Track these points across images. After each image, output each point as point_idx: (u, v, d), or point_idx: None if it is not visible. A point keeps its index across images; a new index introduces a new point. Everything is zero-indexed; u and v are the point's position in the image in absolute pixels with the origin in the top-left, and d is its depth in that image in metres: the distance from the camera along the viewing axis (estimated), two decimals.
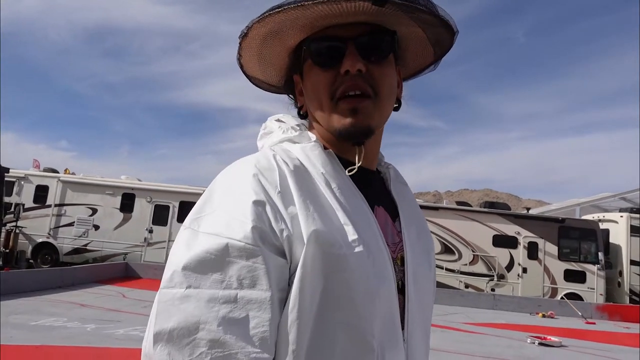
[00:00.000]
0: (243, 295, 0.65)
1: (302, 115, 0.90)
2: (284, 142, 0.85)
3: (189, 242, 0.69)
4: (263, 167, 0.75)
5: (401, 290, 0.81)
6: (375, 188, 0.88)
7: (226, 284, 0.65)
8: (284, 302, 0.68)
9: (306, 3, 0.72)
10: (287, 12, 0.75)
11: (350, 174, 0.80)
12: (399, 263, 0.83)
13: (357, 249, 0.72)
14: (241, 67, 0.90)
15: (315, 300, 0.69)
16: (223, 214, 0.70)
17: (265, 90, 0.97)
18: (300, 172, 0.77)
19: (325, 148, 0.83)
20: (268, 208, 0.70)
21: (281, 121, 0.90)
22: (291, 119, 0.90)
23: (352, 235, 0.72)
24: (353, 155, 0.82)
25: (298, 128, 0.87)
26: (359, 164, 0.80)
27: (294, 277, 0.68)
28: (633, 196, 18.61)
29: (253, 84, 0.96)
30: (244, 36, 0.81)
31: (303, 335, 0.68)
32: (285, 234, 0.69)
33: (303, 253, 0.68)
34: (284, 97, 0.96)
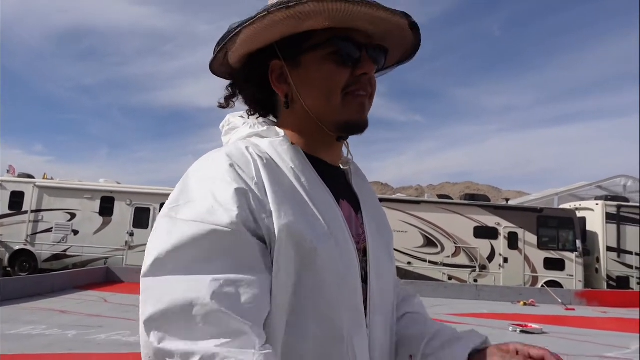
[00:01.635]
0: (229, 277, 0.66)
1: (286, 103, 0.87)
2: (252, 136, 0.86)
3: (170, 229, 0.69)
4: (238, 158, 0.76)
5: (364, 279, 0.84)
6: (339, 183, 0.91)
7: (213, 267, 0.66)
8: (266, 280, 0.69)
9: (371, 1, 0.77)
10: (350, 5, 0.76)
11: (346, 167, 0.90)
12: (362, 254, 0.86)
13: (327, 241, 0.75)
14: (224, 44, 0.84)
15: (289, 291, 0.72)
16: (203, 202, 0.70)
17: (213, 72, 0.92)
18: (272, 167, 0.78)
19: (292, 143, 0.85)
20: (250, 196, 0.71)
21: (243, 117, 0.91)
22: (254, 117, 0.91)
23: (322, 228, 0.76)
24: (322, 153, 0.88)
25: (265, 123, 0.88)
26: (348, 158, 0.89)
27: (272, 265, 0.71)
28: (608, 184, 19.12)
29: (211, 64, 0.90)
30: (268, 13, 0.76)
31: (279, 324, 0.70)
32: (265, 223, 0.71)
33: (276, 246, 0.70)
34: None
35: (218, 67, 0.91)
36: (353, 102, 0.84)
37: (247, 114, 0.93)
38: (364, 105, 0.85)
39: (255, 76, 0.88)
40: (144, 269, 0.68)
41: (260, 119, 0.90)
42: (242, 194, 0.70)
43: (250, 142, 0.83)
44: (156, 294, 0.65)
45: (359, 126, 0.86)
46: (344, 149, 0.97)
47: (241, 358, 0.61)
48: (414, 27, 0.86)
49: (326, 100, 0.83)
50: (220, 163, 0.75)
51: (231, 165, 0.74)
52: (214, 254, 0.67)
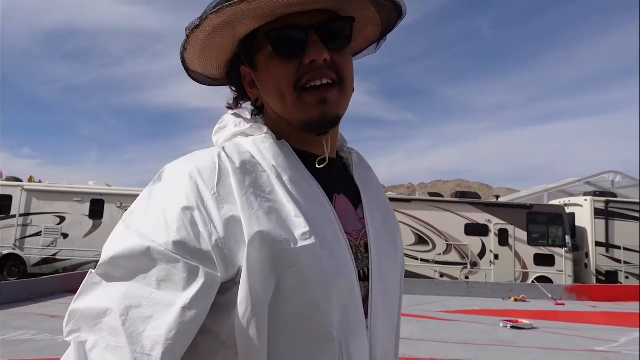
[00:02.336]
0: (155, 296, 0.65)
1: (258, 107, 0.87)
2: (237, 136, 0.84)
3: (121, 236, 0.71)
4: (203, 166, 0.74)
5: (366, 277, 0.80)
6: (336, 176, 0.86)
7: (146, 282, 0.66)
8: (207, 309, 0.67)
9: None
10: (250, 2, 0.71)
11: (322, 165, 0.79)
12: (363, 250, 0.81)
13: (308, 242, 0.70)
14: (183, 61, 0.85)
15: (268, 295, 0.68)
16: (153, 215, 0.70)
17: (202, 84, 0.93)
18: (248, 169, 0.75)
19: (279, 139, 0.81)
20: (197, 213, 0.69)
21: (238, 115, 0.88)
22: (247, 113, 0.88)
23: (303, 227, 0.71)
24: (313, 147, 0.82)
25: (251, 120, 0.85)
26: (326, 155, 0.80)
27: (239, 277, 0.68)
28: (597, 180, 19.34)
29: (192, 78, 0.91)
30: (194, 28, 0.77)
31: (261, 330, 0.67)
32: (214, 238, 0.67)
33: (246, 254, 0.67)
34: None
35: (204, 79, 0.91)
36: (310, 97, 0.76)
37: (251, 113, 0.90)
38: (324, 98, 0.76)
39: (235, 83, 0.88)
40: (97, 266, 0.71)
41: (250, 117, 0.87)
42: (189, 210, 0.69)
43: (232, 143, 0.81)
44: (87, 290, 0.69)
45: (323, 122, 0.77)
46: (340, 136, 0.92)
47: None
48: None
49: (282, 101, 0.78)
50: (183, 173, 0.73)
51: (191, 177, 0.72)
52: (147, 269, 0.66)
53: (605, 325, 8.48)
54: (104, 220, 14.05)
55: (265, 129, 0.81)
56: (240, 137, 0.83)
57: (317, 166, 0.79)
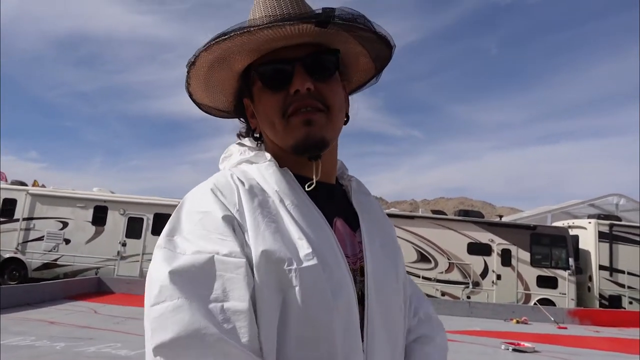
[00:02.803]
0: (229, 306, 0.68)
1: (258, 136, 0.92)
2: (242, 163, 0.89)
3: (169, 259, 0.71)
4: (222, 186, 0.79)
5: (361, 300, 0.81)
6: (335, 201, 0.90)
7: (213, 296, 0.68)
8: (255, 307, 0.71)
9: (252, 29, 0.76)
10: (233, 39, 0.78)
11: (309, 189, 0.82)
12: (359, 273, 0.84)
13: (309, 263, 0.73)
14: (190, 95, 0.92)
15: (275, 315, 0.71)
16: (197, 232, 0.73)
17: (215, 116, 0.99)
18: (254, 192, 0.79)
19: (281, 166, 0.85)
20: (235, 223, 0.74)
21: (243, 145, 0.92)
22: (251, 142, 0.93)
23: (305, 249, 0.74)
24: (309, 171, 0.85)
25: (256, 149, 0.90)
26: (317, 179, 0.83)
27: (254, 295, 0.71)
28: (601, 203, 19.25)
29: (203, 110, 0.97)
30: (191, 65, 0.84)
31: (269, 343, 0.70)
32: (245, 248, 0.73)
33: (255, 272, 0.71)
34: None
35: (215, 111, 0.98)
36: (295, 120, 0.80)
37: (255, 141, 0.94)
38: (309, 120, 0.80)
39: (242, 114, 0.95)
40: (148, 298, 0.69)
41: (254, 146, 0.92)
42: (229, 221, 0.74)
43: (239, 169, 0.86)
44: (162, 322, 0.66)
45: (308, 143, 0.81)
46: (338, 163, 0.97)
47: None
48: (322, 25, 0.77)
49: (273, 129, 0.84)
50: (206, 194, 0.78)
51: (215, 195, 0.77)
52: (213, 281, 0.69)
53: (608, 351, 8.36)
54: (107, 227, 14.05)
55: (268, 156, 0.86)
56: (245, 165, 0.88)
57: (306, 189, 0.82)
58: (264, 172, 0.84)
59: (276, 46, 0.81)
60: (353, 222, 0.89)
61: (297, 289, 0.72)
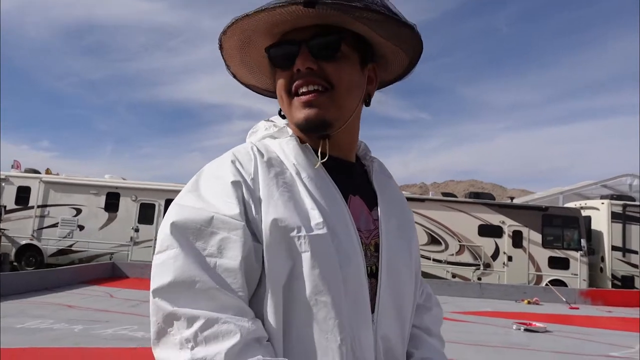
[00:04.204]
0: (221, 263, 0.74)
1: (280, 113, 0.96)
2: (265, 138, 0.93)
3: (177, 213, 0.77)
4: (241, 156, 0.84)
5: (374, 274, 0.85)
6: (353, 178, 0.93)
7: (208, 251, 0.74)
8: (250, 269, 0.75)
9: (249, 13, 0.80)
10: (238, 23, 0.83)
11: (317, 165, 0.86)
12: (372, 249, 0.87)
13: (319, 231, 0.78)
14: (234, 76, 0.97)
15: (283, 278, 0.76)
16: (207, 192, 0.79)
17: (267, 96, 1.03)
18: (272, 163, 0.84)
19: (302, 142, 0.89)
20: (244, 189, 0.79)
21: (270, 120, 0.97)
22: (279, 119, 0.96)
23: (316, 219, 0.79)
24: (323, 147, 0.88)
25: (281, 126, 0.94)
26: (326, 156, 0.86)
27: (264, 256, 0.76)
28: (614, 183, 19.00)
29: (255, 91, 1.03)
30: (220, 48, 0.90)
31: (277, 308, 0.75)
32: (254, 214, 0.77)
33: (264, 237, 0.76)
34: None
35: (268, 93, 1.03)
36: (297, 102, 0.85)
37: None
38: (309, 103, 0.84)
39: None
40: (156, 248, 0.76)
41: (281, 122, 0.95)
42: (237, 187, 0.79)
43: (262, 143, 0.91)
44: (162, 268, 0.73)
45: (308, 124, 0.84)
46: (361, 145, 1.01)
47: (239, 323, 0.70)
48: (309, 5, 0.77)
49: (282, 105, 0.90)
50: (224, 160, 0.84)
51: (233, 162, 0.83)
52: (210, 238, 0.74)
53: (621, 330, 8.35)
54: (119, 213, 14.23)
55: (290, 132, 0.91)
56: (269, 139, 0.92)
57: (315, 166, 0.86)
58: (285, 146, 0.88)
59: (286, 29, 0.85)
60: (371, 201, 0.93)
61: (304, 255, 0.76)
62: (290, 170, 0.84)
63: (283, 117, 0.95)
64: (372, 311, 0.82)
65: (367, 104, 0.95)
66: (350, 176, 0.92)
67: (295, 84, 0.85)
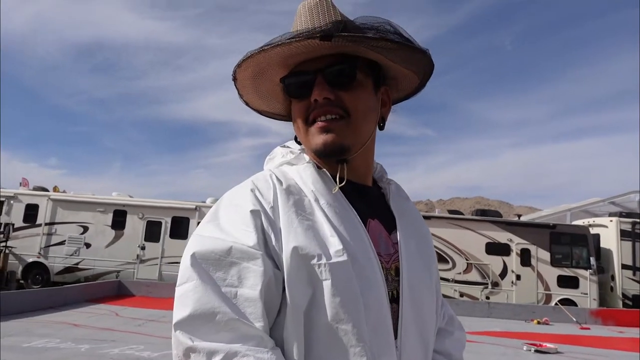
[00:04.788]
0: (242, 293, 0.74)
1: (296, 140, 0.98)
2: (283, 165, 0.94)
3: (197, 244, 0.78)
4: (260, 184, 0.85)
5: (395, 299, 0.84)
6: (370, 202, 0.93)
7: (228, 281, 0.75)
8: (270, 297, 0.76)
9: (265, 48, 0.82)
10: (254, 57, 0.85)
11: (335, 190, 0.86)
12: (393, 273, 0.86)
13: (340, 259, 0.78)
14: (246, 104, 0.99)
15: (304, 305, 0.76)
16: (227, 221, 0.80)
17: (278, 120, 1.05)
18: (292, 191, 0.84)
19: (319, 168, 0.90)
20: (263, 217, 0.79)
21: (287, 147, 0.98)
22: (295, 145, 0.98)
23: (337, 246, 0.78)
24: (342, 172, 0.88)
25: (297, 152, 0.95)
26: (344, 181, 0.87)
27: (284, 283, 0.76)
28: (622, 200, 18.83)
29: (266, 116, 1.05)
30: (234, 80, 0.92)
31: (298, 335, 0.75)
32: (274, 242, 0.78)
33: (285, 265, 0.76)
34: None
35: (279, 117, 1.04)
36: (314, 130, 0.86)
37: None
38: (326, 129, 0.85)
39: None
40: (178, 280, 0.77)
41: (297, 148, 0.97)
42: (257, 216, 0.79)
43: (280, 170, 0.91)
44: (183, 300, 0.73)
45: (326, 149, 0.86)
46: (377, 167, 1.02)
47: (258, 355, 0.69)
48: (326, 39, 0.80)
49: (300, 133, 0.91)
50: (243, 189, 0.85)
51: (252, 191, 0.83)
52: (230, 268, 0.75)
53: (634, 352, 8.18)
54: (126, 230, 14.26)
55: (307, 158, 0.92)
56: (286, 166, 0.93)
57: (333, 191, 0.86)
58: (302, 173, 0.89)
59: (301, 59, 0.87)
60: (390, 224, 0.92)
61: (325, 283, 0.76)
62: (308, 197, 0.84)
63: (299, 142, 0.96)
64: (395, 337, 0.82)
65: (381, 127, 0.96)
66: (368, 200, 0.92)
67: (313, 114, 0.86)
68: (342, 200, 0.86)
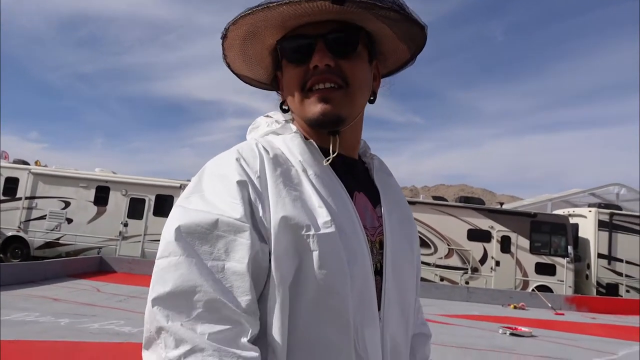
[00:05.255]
0: (229, 266, 0.70)
1: (285, 109, 0.95)
2: (268, 134, 0.91)
3: (180, 217, 0.73)
4: (246, 153, 0.82)
5: (379, 272, 0.84)
6: (356, 175, 0.92)
7: (214, 255, 0.71)
8: (257, 271, 0.73)
9: (271, 4, 0.78)
10: (256, 14, 0.80)
11: (327, 162, 0.84)
12: (378, 246, 0.87)
13: (328, 230, 0.76)
14: (228, 66, 0.95)
15: (290, 277, 0.74)
16: (211, 193, 0.76)
17: (257, 87, 1.02)
18: (279, 161, 0.82)
19: (306, 138, 0.88)
20: (250, 188, 0.76)
21: (270, 117, 0.95)
22: (279, 115, 0.95)
23: (324, 217, 0.77)
24: (334, 144, 0.87)
25: (283, 121, 0.93)
26: (335, 153, 0.85)
27: (271, 255, 0.73)
28: (602, 192, 19.25)
29: (244, 82, 1.01)
30: (223, 38, 0.87)
31: (283, 308, 0.73)
32: (261, 213, 0.75)
33: (272, 236, 0.73)
34: (263, 90, 1.02)
35: (257, 83, 1.01)
36: (312, 97, 0.83)
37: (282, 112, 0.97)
38: (325, 98, 0.82)
39: (276, 86, 0.97)
40: (158, 253, 0.73)
41: (281, 118, 0.94)
42: (243, 187, 0.76)
43: (265, 139, 0.89)
44: (163, 275, 0.69)
45: (324, 120, 0.83)
46: (361, 142, 0.99)
47: (225, 359, 0.65)
48: (338, 2, 0.77)
49: (293, 101, 0.87)
50: (228, 158, 0.81)
51: (237, 160, 0.80)
52: (217, 241, 0.71)
53: (604, 337, 8.46)
54: (109, 207, 14.10)
55: (294, 128, 0.90)
56: (272, 136, 0.90)
57: (324, 163, 0.84)
58: (289, 143, 0.87)
59: (301, 22, 0.83)
60: (374, 197, 0.92)
61: (313, 254, 0.74)
62: (296, 167, 0.83)
63: (284, 111, 0.94)
64: (378, 309, 0.82)
65: (372, 101, 0.94)
66: (355, 173, 0.92)
67: (311, 80, 0.83)
68: (329, 172, 0.85)
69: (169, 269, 0.69)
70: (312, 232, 0.75)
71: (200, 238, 0.71)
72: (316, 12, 0.80)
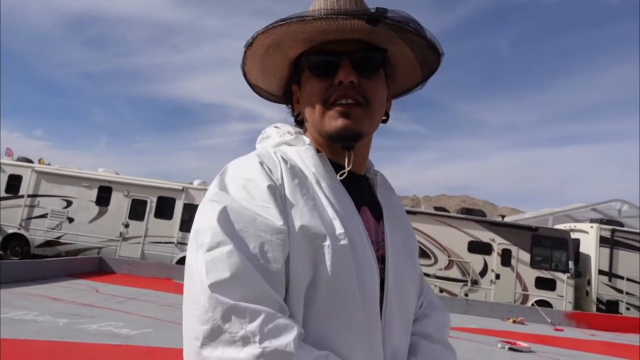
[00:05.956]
0: (267, 267, 0.73)
1: (299, 121, 0.97)
2: (281, 145, 0.93)
3: (221, 210, 0.75)
4: (267, 160, 0.84)
5: (380, 286, 0.86)
6: (362, 191, 0.94)
7: (253, 252, 0.73)
8: (286, 273, 0.75)
9: (307, 18, 0.80)
10: (289, 25, 0.82)
11: (342, 176, 0.87)
12: (380, 261, 0.88)
13: (342, 242, 0.79)
14: (244, 74, 0.97)
15: (304, 285, 0.76)
16: (243, 195, 0.78)
17: (265, 99, 1.04)
18: (295, 171, 0.84)
19: (318, 151, 0.90)
20: (277, 193, 0.78)
21: (278, 127, 0.97)
22: (288, 126, 0.97)
23: (339, 229, 0.80)
24: (343, 159, 0.89)
25: (295, 133, 0.94)
26: (349, 167, 0.87)
27: (288, 263, 0.75)
28: (603, 208, 19.19)
29: (255, 92, 1.02)
30: (248, 45, 0.88)
31: (297, 315, 0.75)
32: (286, 220, 0.77)
33: (290, 244, 0.75)
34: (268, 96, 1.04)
35: (267, 94, 1.03)
36: (333, 111, 0.85)
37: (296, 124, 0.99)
38: (346, 114, 0.84)
39: (289, 100, 1.00)
40: (200, 245, 0.73)
41: (291, 130, 0.96)
42: (273, 191, 0.78)
43: (279, 149, 0.90)
44: (217, 264, 0.70)
45: (344, 134, 0.85)
46: (368, 161, 1.02)
47: (291, 320, 0.71)
48: (372, 23, 0.81)
49: (313, 114, 0.89)
50: (253, 163, 0.83)
51: (261, 164, 0.82)
52: (255, 239, 0.73)
53: (604, 354, 8.40)
54: (110, 207, 14.11)
55: (307, 140, 0.91)
56: (285, 146, 0.92)
57: (339, 178, 0.87)
58: (303, 154, 0.88)
59: (328, 38, 0.86)
60: (377, 212, 0.94)
61: (327, 264, 0.77)
62: (310, 179, 0.85)
63: (299, 124, 0.96)
64: (380, 320, 0.85)
65: (384, 121, 0.97)
66: (360, 188, 0.94)
67: (335, 95, 0.85)
68: (339, 186, 0.87)
69: (222, 258, 0.71)
70: (327, 242, 0.77)
71: (243, 232, 0.73)
72: (347, 30, 0.83)
